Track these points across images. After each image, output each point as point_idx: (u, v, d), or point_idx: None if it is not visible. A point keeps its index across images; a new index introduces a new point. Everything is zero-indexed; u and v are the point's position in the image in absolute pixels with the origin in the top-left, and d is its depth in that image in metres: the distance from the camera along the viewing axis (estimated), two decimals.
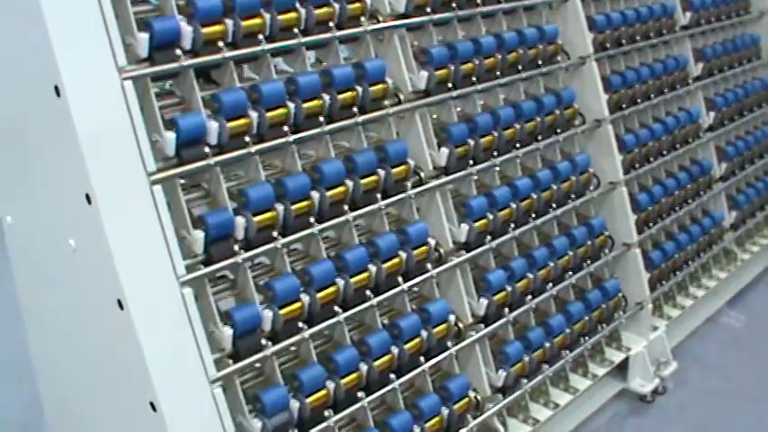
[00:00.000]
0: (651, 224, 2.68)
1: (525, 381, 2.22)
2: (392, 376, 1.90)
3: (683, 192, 2.85)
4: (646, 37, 2.73)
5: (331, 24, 1.85)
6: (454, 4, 2.14)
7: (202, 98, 1.66)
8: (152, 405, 1.51)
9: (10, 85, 1.64)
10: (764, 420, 2.53)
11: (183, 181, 1.67)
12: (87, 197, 1.47)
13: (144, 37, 1.53)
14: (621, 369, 2.62)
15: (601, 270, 2.53)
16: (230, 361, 1.64)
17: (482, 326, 2.14)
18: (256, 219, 1.68)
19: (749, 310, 3.18)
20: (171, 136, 1.57)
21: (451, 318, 2.03)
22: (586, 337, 2.42)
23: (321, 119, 1.82)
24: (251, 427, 1.65)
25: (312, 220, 1.78)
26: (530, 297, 2.26)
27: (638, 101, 2.67)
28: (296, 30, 1.79)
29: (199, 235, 1.60)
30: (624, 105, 2.60)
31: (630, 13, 2.64)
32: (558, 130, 2.40)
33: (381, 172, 1.91)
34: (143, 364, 1.49)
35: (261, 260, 1.82)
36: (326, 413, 1.77)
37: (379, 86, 1.93)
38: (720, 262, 3.12)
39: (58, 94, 1.46)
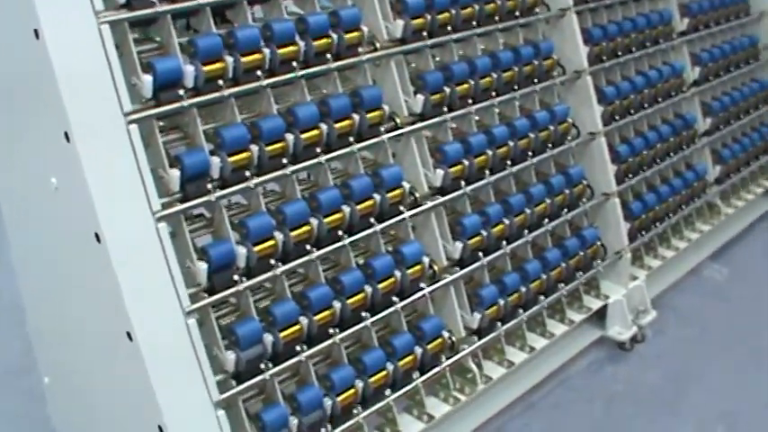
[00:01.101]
0: (631, 175, 2.73)
1: (500, 324, 2.29)
2: (365, 314, 1.97)
3: (666, 145, 2.89)
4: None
5: None
6: None
7: (179, 43, 1.72)
8: (128, 335, 1.59)
9: None
10: (739, 368, 2.60)
11: (161, 123, 1.74)
12: (66, 135, 1.54)
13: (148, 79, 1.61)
14: (600, 317, 2.69)
15: (579, 219, 2.59)
16: (205, 295, 1.71)
17: (457, 269, 2.20)
18: (231, 159, 1.74)
19: (732, 264, 3.24)
20: (148, 78, 1.64)
21: (425, 259, 2.09)
22: (563, 284, 2.48)
23: (295, 64, 1.87)
24: (225, 360, 1.73)
25: (286, 161, 1.84)
26: (505, 242, 2.32)
27: (619, 53, 2.71)
28: None
29: (175, 173, 1.67)
30: (605, 58, 2.64)
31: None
32: (536, 80, 2.44)
33: (356, 116, 1.96)
34: (119, 296, 1.57)
35: (237, 200, 1.89)
36: (300, 348, 1.84)
37: (354, 34, 1.98)
38: (704, 215, 3.17)
39: (37, 36, 1.52)
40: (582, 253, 2.53)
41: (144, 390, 1.60)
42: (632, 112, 2.75)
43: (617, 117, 2.68)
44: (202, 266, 1.70)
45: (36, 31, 1.51)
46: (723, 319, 2.88)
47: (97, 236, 1.56)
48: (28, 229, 1.94)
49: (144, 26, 1.76)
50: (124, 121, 1.58)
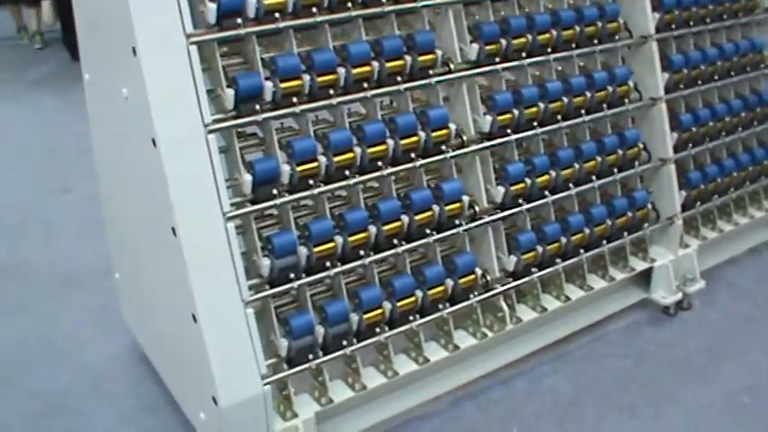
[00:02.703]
0: (692, 145, 2.76)
1: (536, 270, 2.40)
2: (400, 242, 2.12)
3: (736, 119, 2.89)
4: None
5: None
6: None
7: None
8: (173, 230, 1.80)
9: None
10: None
11: (223, 49, 1.93)
12: (133, 49, 1.75)
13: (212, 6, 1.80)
14: (647, 280, 2.74)
15: (633, 181, 2.65)
16: (248, 204, 1.90)
17: (498, 212, 2.32)
18: (283, 85, 1.91)
19: None
20: (212, 5, 1.82)
21: (465, 198, 2.22)
22: (607, 241, 2.55)
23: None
24: (261, 265, 1.92)
25: (333, 92, 2.00)
26: (549, 193, 2.41)
27: (691, 23, 2.73)
28: None
29: (230, 92, 1.85)
30: (674, 26, 2.67)
31: None
32: (597, 42, 2.51)
33: (408, 57, 2.10)
34: (167, 194, 1.77)
35: (290, 124, 2.07)
36: (331, 264, 2.01)
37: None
38: None
39: None
40: (630, 214, 2.59)
41: (182, 281, 1.81)
42: (700, 82, 2.76)
43: (682, 86, 2.70)
44: (248, 178, 1.89)
45: None
46: None
47: (153, 140, 1.77)
48: (106, 136, 2.18)
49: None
50: (186, 43, 1.77)
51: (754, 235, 3.13)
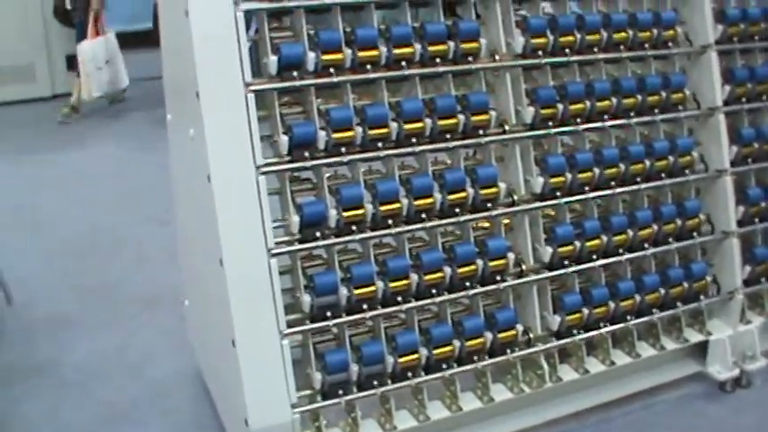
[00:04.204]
0: (759, 220, 2.73)
1: (580, 332, 2.43)
2: (438, 292, 2.21)
3: None
4: None
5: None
6: None
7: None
8: (220, 261, 1.95)
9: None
10: None
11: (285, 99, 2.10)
12: (196, 93, 1.93)
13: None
14: (705, 353, 2.72)
15: (692, 251, 2.65)
16: (295, 243, 2.04)
17: (545, 271, 2.37)
18: (335, 135, 2.06)
19: None
20: (274, 58, 1.99)
21: (510, 256, 2.29)
22: (658, 310, 2.56)
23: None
24: (302, 302, 2.05)
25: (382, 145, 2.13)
26: (599, 257, 2.45)
27: (765, 98, 2.73)
28: None
29: (284, 138, 2.00)
30: (745, 99, 2.68)
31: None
32: (658, 111, 2.55)
33: (461, 116, 2.21)
34: (216, 228, 1.93)
35: (343, 172, 2.20)
36: (369, 307, 2.12)
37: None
38: None
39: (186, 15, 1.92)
40: (686, 284, 2.59)
41: (226, 308, 1.96)
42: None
43: (750, 160, 2.70)
44: (296, 219, 2.03)
45: (186, 11, 1.91)
46: None
47: (208, 177, 1.93)
48: (179, 171, 2.38)
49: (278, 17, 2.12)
50: (244, 89, 1.94)
51: None
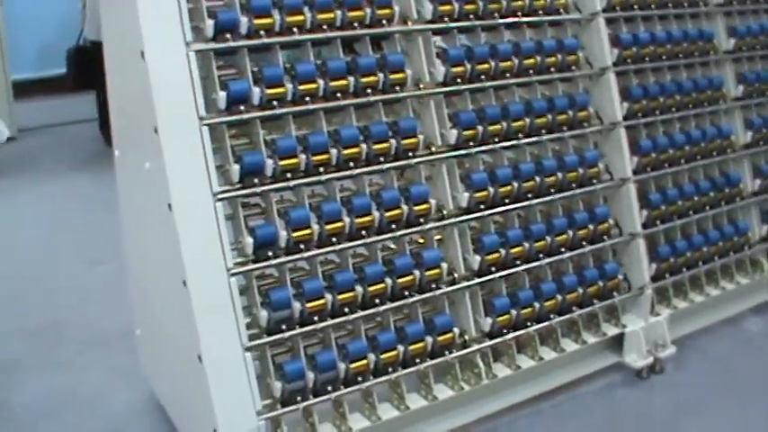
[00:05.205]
0: (660, 222, 3.04)
1: (510, 331, 2.66)
2: (381, 302, 2.41)
3: (705, 199, 3.17)
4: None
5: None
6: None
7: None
8: (184, 282, 2.11)
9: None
10: (745, 416, 2.80)
11: (233, 131, 2.28)
12: (155, 129, 2.10)
13: (222, 95, 2.15)
14: (622, 345, 2.99)
15: (604, 253, 2.93)
16: (250, 263, 2.22)
17: (475, 278, 2.60)
18: (282, 162, 2.25)
19: None
20: (223, 94, 2.17)
21: (443, 265, 2.51)
22: (578, 308, 2.82)
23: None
24: (259, 317, 2.22)
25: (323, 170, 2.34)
26: (523, 263, 2.69)
27: (658, 112, 3.05)
28: None
29: (236, 168, 2.19)
30: (641, 115, 2.99)
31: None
32: (567, 128, 2.83)
33: (393, 141, 2.43)
34: (179, 251, 2.09)
35: (288, 196, 2.39)
36: (320, 318, 2.30)
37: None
38: (745, 269, 3.40)
39: (142, 57, 2.09)
40: (601, 283, 2.86)
41: (191, 327, 2.11)
42: (667, 165, 3.06)
43: (649, 168, 3.00)
44: (249, 241, 2.20)
45: (141, 52, 2.08)
46: (747, 368, 3.09)
47: (169, 205, 2.10)
48: (130, 203, 2.52)
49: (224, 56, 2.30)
50: (198, 123, 2.12)
51: (730, 306, 3.37)
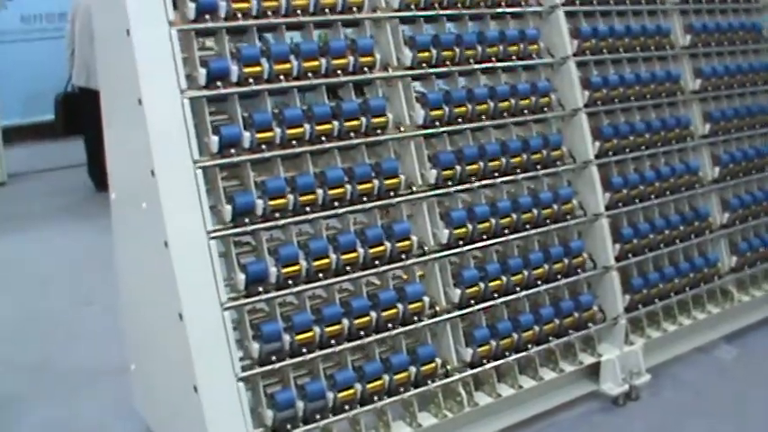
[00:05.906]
0: (633, 255, 3.18)
1: (489, 361, 2.78)
2: (367, 334, 2.53)
3: (675, 233, 3.32)
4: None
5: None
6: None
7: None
8: (180, 315, 2.23)
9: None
10: None
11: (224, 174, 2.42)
12: (151, 171, 2.23)
13: (215, 139, 2.30)
14: (598, 374, 3.12)
15: (580, 285, 3.06)
16: (242, 298, 2.34)
17: (456, 311, 2.73)
18: (271, 202, 2.38)
19: (744, 347, 3.56)
20: (215, 138, 2.31)
21: (426, 299, 2.64)
22: (555, 338, 2.95)
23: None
24: (252, 348, 2.33)
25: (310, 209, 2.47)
26: (500, 296, 2.82)
27: (628, 150, 3.21)
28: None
29: (228, 208, 2.31)
30: (612, 153, 3.15)
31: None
32: (541, 167, 2.98)
33: (375, 181, 2.57)
34: (175, 286, 2.21)
35: (278, 235, 2.52)
36: (309, 350, 2.42)
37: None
38: (716, 299, 3.54)
39: (140, 103, 2.23)
40: (577, 314, 2.99)
41: (187, 358, 2.22)
42: (638, 200, 3.21)
43: (621, 204, 3.16)
44: (241, 277, 2.33)
45: (139, 99, 2.22)
46: (719, 394, 3.21)
47: (165, 243, 2.22)
48: (126, 241, 2.64)
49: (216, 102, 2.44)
50: (193, 166, 2.25)
51: (701, 335, 3.50)
